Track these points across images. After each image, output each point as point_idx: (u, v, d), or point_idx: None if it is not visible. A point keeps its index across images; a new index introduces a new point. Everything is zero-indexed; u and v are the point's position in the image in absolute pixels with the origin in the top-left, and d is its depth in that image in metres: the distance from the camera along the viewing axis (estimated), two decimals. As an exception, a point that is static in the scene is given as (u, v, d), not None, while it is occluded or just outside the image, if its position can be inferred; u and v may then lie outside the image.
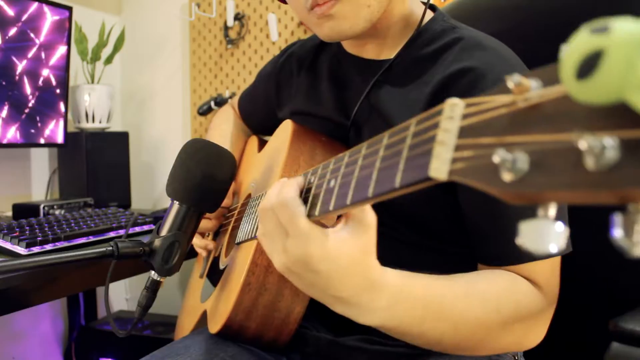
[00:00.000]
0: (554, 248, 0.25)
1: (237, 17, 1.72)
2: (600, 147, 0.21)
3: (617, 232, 0.22)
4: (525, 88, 0.26)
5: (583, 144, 0.22)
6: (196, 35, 1.82)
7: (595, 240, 0.77)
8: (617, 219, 0.22)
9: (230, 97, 1.68)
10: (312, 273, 0.46)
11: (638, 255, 0.22)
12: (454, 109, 0.31)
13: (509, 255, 0.59)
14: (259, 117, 1.02)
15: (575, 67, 0.22)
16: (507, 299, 0.56)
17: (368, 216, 0.45)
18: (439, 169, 0.30)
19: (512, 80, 0.26)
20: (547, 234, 0.25)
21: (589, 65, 0.21)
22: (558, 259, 0.61)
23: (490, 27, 0.75)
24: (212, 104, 1.69)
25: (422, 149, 0.32)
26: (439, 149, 0.30)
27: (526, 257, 0.59)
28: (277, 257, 0.48)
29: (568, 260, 0.63)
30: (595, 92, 0.21)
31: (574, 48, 0.22)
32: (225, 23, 1.74)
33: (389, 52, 0.74)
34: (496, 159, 0.26)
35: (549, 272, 0.60)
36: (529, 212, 0.26)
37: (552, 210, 0.26)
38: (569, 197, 0.24)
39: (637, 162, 0.21)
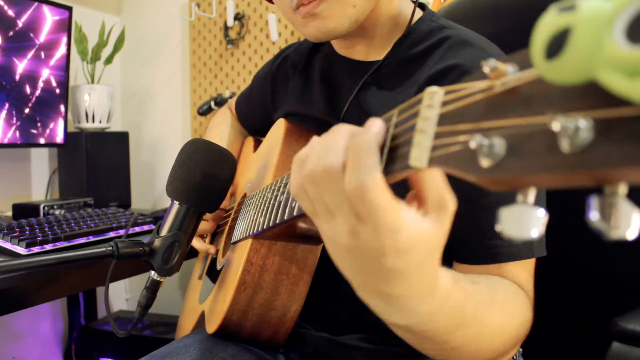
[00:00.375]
0: (535, 233, 0.25)
1: (237, 17, 1.72)
2: (573, 128, 0.21)
3: (594, 215, 0.22)
4: (502, 72, 0.26)
5: (556, 125, 0.21)
6: (196, 35, 1.82)
7: (595, 240, 0.77)
8: (594, 201, 0.22)
9: (230, 97, 1.68)
10: (377, 268, 0.36)
11: (615, 238, 0.21)
12: (433, 97, 0.31)
13: (490, 254, 0.58)
14: (255, 119, 1.02)
15: (544, 46, 0.21)
16: (517, 306, 0.55)
17: (450, 201, 0.36)
18: (419, 157, 0.30)
19: (487, 66, 0.26)
20: (527, 219, 0.25)
21: (556, 44, 0.21)
22: (534, 263, 0.60)
23: (489, 28, 0.75)
24: (212, 104, 1.69)
25: (403, 139, 0.32)
26: (419, 137, 0.30)
27: (506, 256, 0.58)
28: (339, 235, 0.37)
29: (569, 260, 0.63)
30: (564, 71, 0.21)
31: (542, 27, 0.22)
32: (225, 23, 1.74)
33: (378, 53, 0.74)
34: (473, 144, 0.25)
35: (530, 276, 0.60)
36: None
37: (532, 195, 0.25)
38: (546, 180, 0.23)
39: (611, 142, 0.20)
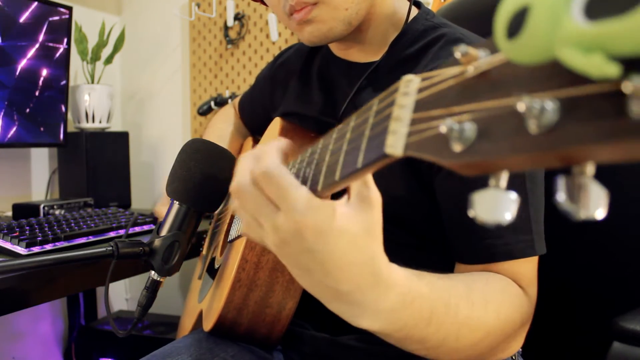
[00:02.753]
0: (508, 216, 0.25)
1: (237, 17, 1.72)
2: (539, 108, 0.21)
3: (561, 196, 0.21)
4: (473, 57, 0.26)
5: (522, 106, 0.21)
6: (196, 35, 1.82)
7: (596, 240, 0.77)
8: (561, 182, 0.22)
9: (230, 97, 1.68)
10: (308, 253, 0.38)
11: (583, 219, 0.21)
12: (409, 84, 0.31)
13: (487, 253, 0.58)
14: (256, 119, 1.03)
15: (505, 26, 0.21)
16: (504, 302, 0.54)
17: (372, 192, 0.39)
18: (395, 145, 0.30)
19: (459, 51, 0.26)
20: (499, 202, 0.25)
21: (517, 23, 0.21)
22: (537, 262, 0.60)
23: (489, 28, 0.75)
24: (212, 104, 1.69)
25: (381, 127, 0.32)
26: (395, 125, 0.30)
27: (503, 255, 0.57)
28: (269, 238, 0.41)
29: (569, 259, 0.63)
30: (525, 50, 0.21)
31: (504, 7, 0.22)
32: (225, 23, 1.74)
33: (374, 54, 0.74)
34: (443, 129, 0.25)
35: (531, 274, 0.59)
36: None
37: (504, 179, 0.25)
38: (515, 162, 0.23)
39: (575, 121, 0.20)
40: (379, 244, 0.40)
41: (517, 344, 0.57)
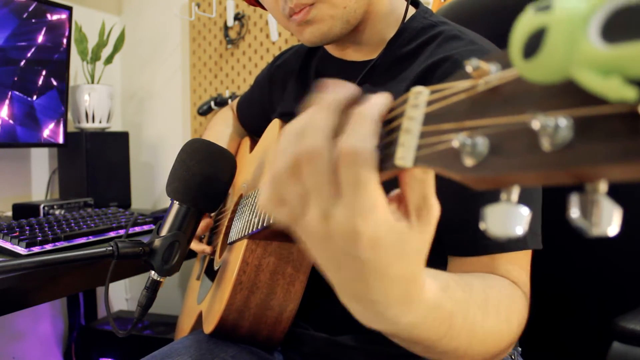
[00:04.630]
0: (519, 231, 0.25)
1: (237, 17, 1.72)
2: (553, 126, 0.21)
3: (574, 213, 0.22)
4: (485, 72, 0.26)
5: (536, 124, 0.21)
6: (196, 35, 1.82)
7: (596, 240, 0.77)
8: (574, 199, 0.22)
9: (230, 97, 1.68)
10: (349, 257, 0.33)
11: (596, 235, 0.21)
12: (418, 96, 0.31)
13: (480, 245, 0.58)
14: (255, 121, 1.03)
15: (522, 46, 0.22)
16: (513, 309, 0.53)
17: (432, 211, 0.35)
18: (404, 157, 0.30)
19: (470, 65, 0.26)
20: (511, 217, 0.25)
21: (533, 44, 0.21)
22: (530, 260, 0.59)
23: (489, 28, 0.75)
24: (212, 104, 1.69)
25: (389, 138, 0.32)
26: (404, 137, 0.30)
27: (496, 247, 0.57)
28: (309, 225, 0.34)
29: (570, 260, 0.63)
30: (541, 70, 0.21)
31: (520, 27, 0.22)
32: (225, 23, 1.74)
33: (371, 54, 0.74)
34: (455, 143, 0.26)
35: (525, 271, 0.59)
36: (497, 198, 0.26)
37: (515, 193, 0.25)
38: (527, 179, 0.24)
39: (589, 140, 0.20)
40: (423, 262, 0.36)
41: (513, 345, 0.58)
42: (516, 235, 0.25)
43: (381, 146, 0.32)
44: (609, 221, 0.21)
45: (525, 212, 0.25)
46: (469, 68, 0.26)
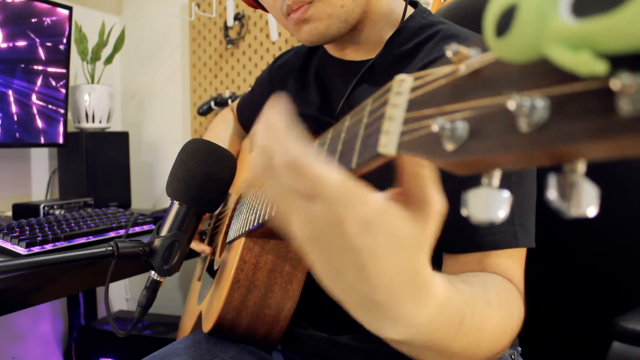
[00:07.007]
0: (502, 214, 0.25)
1: (237, 17, 1.72)
2: (529, 106, 0.21)
3: (552, 194, 0.21)
4: (465, 56, 0.26)
5: (512, 104, 0.21)
6: (196, 35, 1.82)
7: (595, 240, 0.77)
8: (552, 180, 0.22)
9: (230, 97, 1.68)
10: (345, 252, 0.32)
11: (574, 216, 0.21)
12: (402, 84, 0.31)
13: (473, 241, 0.58)
14: (255, 121, 1.03)
15: (494, 24, 0.22)
16: (513, 306, 0.53)
17: (436, 204, 0.33)
18: (388, 144, 0.30)
19: (450, 50, 0.26)
20: (492, 200, 0.25)
21: (505, 22, 0.21)
22: (524, 258, 0.59)
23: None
24: (212, 104, 1.69)
25: (374, 127, 0.32)
26: (388, 125, 0.30)
27: (489, 244, 0.57)
28: (300, 232, 0.34)
29: (570, 259, 0.63)
30: (513, 48, 0.21)
31: (492, 6, 0.22)
32: (225, 23, 1.74)
33: (370, 53, 0.74)
34: (435, 127, 0.25)
35: (519, 269, 0.59)
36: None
37: (496, 177, 0.25)
38: (507, 160, 0.23)
39: (565, 119, 0.20)
40: (427, 257, 0.34)
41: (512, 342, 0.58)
42: (499, 218, 0.25)
43: (365, 136, 0.32)
44: (588, 202, 0.21)
45: (506, 194, 0.25)
46: (449, 53, 0.26)
